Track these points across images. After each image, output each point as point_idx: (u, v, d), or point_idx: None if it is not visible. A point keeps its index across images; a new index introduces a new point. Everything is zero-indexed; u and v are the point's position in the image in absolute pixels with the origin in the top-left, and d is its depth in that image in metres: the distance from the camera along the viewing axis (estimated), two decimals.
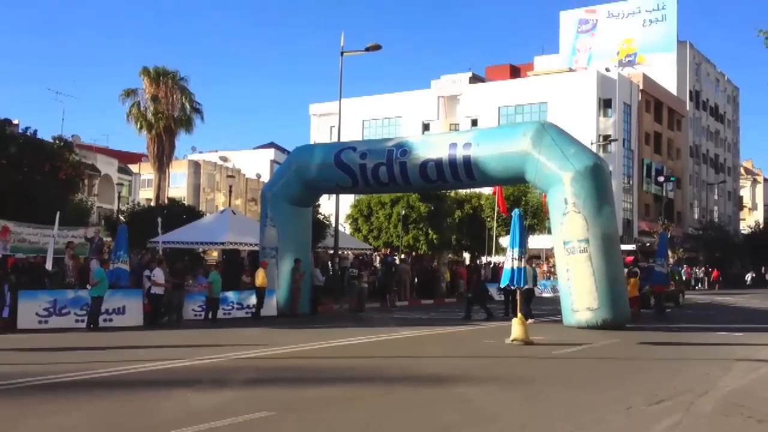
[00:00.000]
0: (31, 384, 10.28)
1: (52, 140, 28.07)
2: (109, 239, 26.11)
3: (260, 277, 21.97)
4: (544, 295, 35.50)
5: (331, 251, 29.64)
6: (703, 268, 57.62)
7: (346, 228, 38.23)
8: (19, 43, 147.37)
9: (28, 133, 26.84)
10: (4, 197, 22.50)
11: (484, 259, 38.53)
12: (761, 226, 73.91)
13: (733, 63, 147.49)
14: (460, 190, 37.17)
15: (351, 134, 55.36)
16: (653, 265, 26.34)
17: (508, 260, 16.40)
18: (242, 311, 22.01)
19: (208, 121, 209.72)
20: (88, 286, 18.43)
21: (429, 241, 36.68)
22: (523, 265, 16.22)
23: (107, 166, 56.24)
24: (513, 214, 16.91)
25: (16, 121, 30.77)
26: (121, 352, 13.81)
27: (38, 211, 22.64)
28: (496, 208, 34.30)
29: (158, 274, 19.62)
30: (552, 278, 34.55)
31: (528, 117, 60.13)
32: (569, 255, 19.39)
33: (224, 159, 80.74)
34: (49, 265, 19.95)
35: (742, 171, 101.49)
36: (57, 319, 18.01)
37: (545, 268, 40.61)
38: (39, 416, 8.41)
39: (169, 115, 40.57)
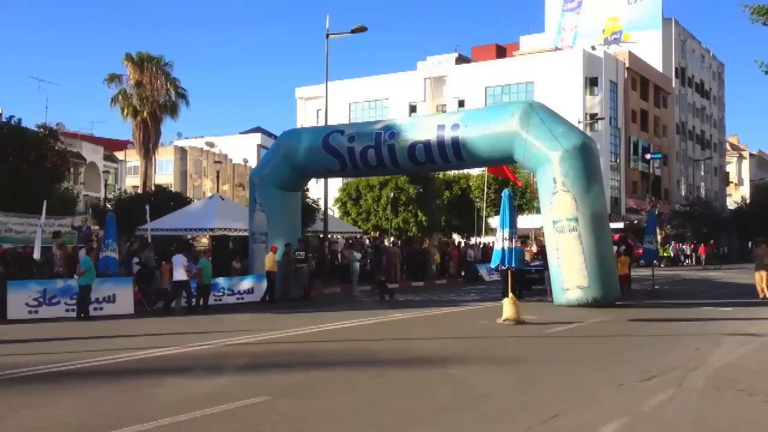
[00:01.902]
0: (23, 375, 10.23)
1: (36, 129, 27.81)
2: (96, 227, 25.97)
3: (269, 261, 21.96)
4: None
5: (321, 235, 29.61)
6: (691, 245, 57.98)
7: (335, 212, 38.21)
8: None
9: (12, 122, 26.58)
10: None
11: (473, 240, 38.65)
12: (747, 202, 74.35)
13: (719, 39, 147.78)
14: (448, 172, 37.19)
15: (338, 117, 55.19)
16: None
17: (499, 241, 16.42)
18: (233, 297, 21.97)
19: (194, 106, 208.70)
20: (76, 276, 18.33)
21: (418, 223, 36.75)
22: (513, 245, 16.24)
23: (93, 154, 55.92)
24: (503, 194, 16.90)
25: None
26: (112, 341, 13.76)
27: (25, 201, 22.50)
28: (485, 187, 34.31)
29: (179, 260, 19.55)
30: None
31: (515, 97, 60.10)
32: (559, 234, 19.46)
33: (210, 144, 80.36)
34: (37, 255, 19.86)
35: (728, 147, 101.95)
36: (47, 309, 17.93)
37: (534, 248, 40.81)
38: (31, 407, 8.37)
39: (154, 101, 40.29)
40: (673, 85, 76.46)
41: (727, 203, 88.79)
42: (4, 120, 27.43)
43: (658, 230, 36.56)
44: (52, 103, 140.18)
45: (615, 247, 24.45)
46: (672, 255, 52.67)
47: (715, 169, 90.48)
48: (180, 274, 19.39)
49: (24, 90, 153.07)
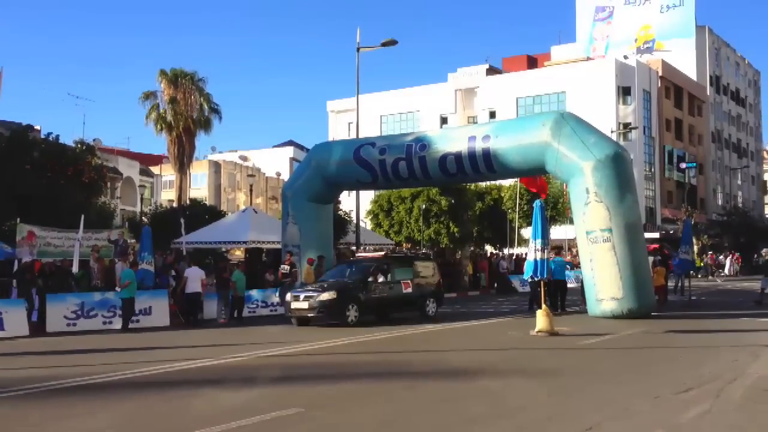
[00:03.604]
0: (62, 386, 10.41)
1: (74, 144, 28.35)
2: (132, 241, 26.34)
3: (306, 273, 22.05)
4: (569, 285, 35.25)
5: (353, 247, 29.68)
6: (731, 255, 56.97)
7: (367, 224, 38.27)
8: (36, 48, 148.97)
9: (51, 139, 27.14)
10: (29, 202, 22.77)
11: (506, 251, 38.44)
12: None
13: (754, 47, 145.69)
14: (479, 183, 37.08)
15: (369, 130, 55.37)
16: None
17: (531, 252, 16.35)
18: (266, 309, 22.12)
19: (227, 120, 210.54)
20: (117, 288, 18.65)
21: (450, 235, 36.64)
22: (546, 257, 16.15)
23: (129, 169, 56.73)
24: (535, 205, 16.83)
25: (38, 127, 31.16)
26: (148, 353, 13.93)
27: (62, 216, 22.88)
28: (518, 198, 34.12)
29: (193, 273, 20.03)
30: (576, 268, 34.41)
31: (546, 107, 59.85)
32: (592, 245, 19.30)
33: (244, 158, 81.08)
34: (75, 268, 20.22)
35: (765, 155, 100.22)
36: (85, 322, 18.24)
37: (569, 258, 40.47)
38: (70, 418, 8.52)
39: (188, 116, 40.79)
40: (708, 93, 75.49)
41: (766, 212, 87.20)
42: (42, 136, 27.99)
43: (694, 240, 36.03)
44: (89, 120, 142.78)
45: (651, 258, 24.16)
46: (709, 265, 51.80)
47: (752, 178, 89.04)
48: (194, 287, 19.62)
49: (62, 107, 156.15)
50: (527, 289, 26.49)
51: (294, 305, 18.48)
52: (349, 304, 18.25)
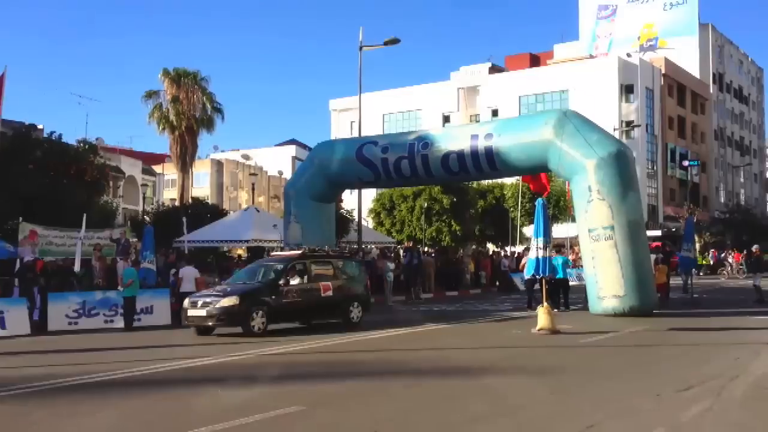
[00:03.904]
0: (62, 385, 10.42)
1: (76, 144, 28.40)
2: (135, 240, 26.38)
3: None
4: (570, 283, 35.26)
5: (355, 246, 29.71)
6: (733, 253, 56.85)
7: (369, 222, 38.28)
8: (39, 48, 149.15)
9: (53, 138, 27.18)
10: (31, 201, 22.81)
11: (508, 249, 38.44)
12: None
13: (757, 44, 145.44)
14: (482, 181, 37.09)
15: (371, 128, 55.38)
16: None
17: (533, 250, 16.34)
18: None
19: (229, 119, 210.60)
20: (120, 287, 18.67)
21: (452, 233, 36.65)
22: (548, 255, 16.15)
23: (131, 168, 56.77)
24: (536, 203, 16.82)
25: (40, 126, 31.21)
26: (151, 351, 13.94)
27: (65, 215, 22.92)
28: (520, 197, 34.16)
29: (187, 272, 19.89)
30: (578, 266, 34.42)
31: (549, 105, 59.79)
32: (594, 242, 19.28)
33: (246, 157, 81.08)
34: (77, 267, 20.25)
35: None
36: (86, 320, 18.27)
37: (572, 257, 40.46)
38: (73, 416, 8.54)
39: (191, 115, 40.82)
40: (711, 91, 75.40)
41: None
42: (45, 135, 28.04)
43: (696, 238, 36.00)
44: (92, 119, 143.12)
45: (653, 256, 24.16)
46: (711, 263, 51.70)
47: (755, 176, 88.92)
48: (188, 287, 19.55)
49: (65, 107, 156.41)
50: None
51: (191, 312, 16.25)
52: (254, 311, 15.99)
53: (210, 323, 16.13)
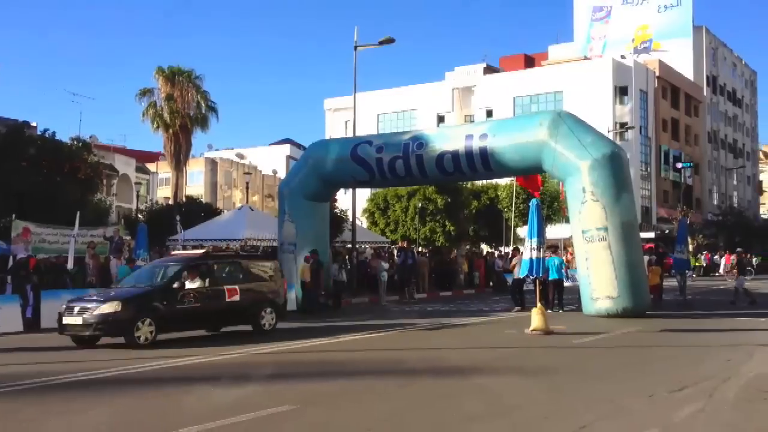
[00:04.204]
0: (54, 383, 10.39)
1: (70, 141, 28.32)
2: (128, 238, 26.34)
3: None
4: (564, 284, 35.32)
5: (349, 245, 29.70)
6: (726, 255, 57.01)
7: (363, 222, 38.29)
8: (33, 45, 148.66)
9: (47, 135, 27.10)
10: (25, 199, 22.75)
11: (502, 250, 38.46)
12: None
13: (751, 47, 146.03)
14: (476, 182, 37.11)
15: (366, 128, 55.33)
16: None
17: (527, 250, 16.36)
18: None
19: (224, 118, 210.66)
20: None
21: (446, 233, 36.69)
22: (542, 255, 16.17)
23: (125, 166, 56.66)
24: (531, 204, 16.85)
25: (34, 124, 31.11)
26: (143, 350, 13.89)
27: (58, 212, 22.86)
28: (514, 197, 34.18)
29: None
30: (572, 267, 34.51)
31: (543, 107, 59.85)
32: (588, 243, 19.32)
33: (240, 156, 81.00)
34: (70, 265, 20.19)
35: (761, 155, 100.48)
36: None
37: (568, 257, 40.53)
38: (65, 414, 8.51)
39: (185, 114, 40.75)
40: (705, 93, 75.62)
41: (761, 212, 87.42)
42: (38, 133, 27.96)
43: (689, 240, 36.09)
44: (86, 117, 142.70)
45: (646, 257, 24.21)
46: (704, 265, 51.83)
47: (747, 178, 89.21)
48: None
49: (58, 103, 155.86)
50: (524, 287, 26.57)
51: (66, 320, 14.23)
52: (140, 319, 13.98)
53: (87, 333, 14.06)
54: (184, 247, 21.72)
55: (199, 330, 15.70)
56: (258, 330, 15.97)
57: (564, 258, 26.57)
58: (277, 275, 17.10)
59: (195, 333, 15.57)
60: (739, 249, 26.82)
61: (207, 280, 15.32)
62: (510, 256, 24.62)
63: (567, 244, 35.23)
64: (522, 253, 24.46)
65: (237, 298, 15.62)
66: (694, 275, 43.95)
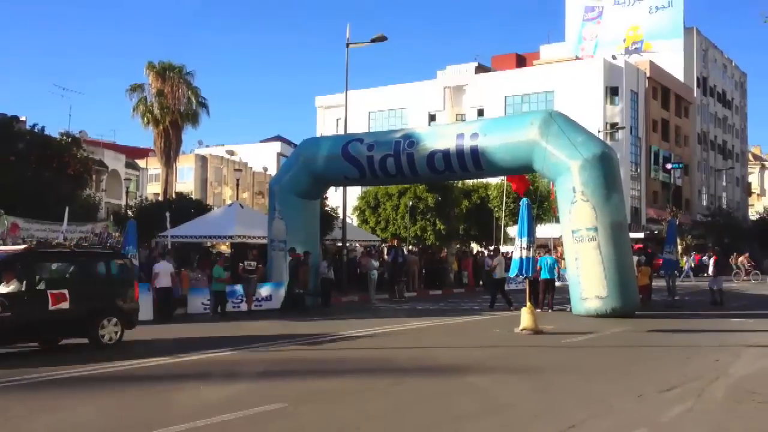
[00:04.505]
0: (43, 379, 10.35)
1: (59, 136, 28.14)
2: (117, 234, 26.21)
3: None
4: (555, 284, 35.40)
5: (339, 243, 29.66)
6: (714, 256, 57.23)
7: (353, 220, 38.23)
8: (23, 39, 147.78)
9: (36, 130, 26.91)
10: (13, 194, 22.57)
11: (492, 249, 38.49)
12: None
13: (741, 49, 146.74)
14: (467, 181, 37.14)
15: (357, 126, 55.24)
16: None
17: (517, 250, 16.39)
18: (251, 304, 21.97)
19: (214, 114, 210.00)
20: None
21: (436, 232, 36.70)
22: (531, 255, 16.20)
23: (115, 162, 56.37)
24: (521, 203, 16.87)
25: (23, 118, 30.84)
26: (131, 347, 13.84)
27: (47, 208, 22.72)
28: (505, 197, 34.26)
29: (161, 267, 19.68)
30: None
31: (534, 106, 59.97)
32: (578, 243, 19.38)
33: (231, 153, 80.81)
34: None
35: (750, 157, 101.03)
36: None
37: (557, 256, 40.61)
38: (54, 411, 8.48)
39: (176, 109, 40.64)
40: (695, 94, 75.93)
41: (749, 213, 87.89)
42: (27, 127, 27.77)
43: (678, 240, 36.22)
44: (75, 111, 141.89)
45: (635, 257, 24.30)
46: (693, 266, 52.01)
47: (737, 179, 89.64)
48: (163, 282, 19.40)
49: (48, 98, 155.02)
50: (513, 286, 26.63)
51: None
52: None
53: None
54: (28, 242, 17.25)
55: (17, 344, 13.18)
56: (96, 344, 13.33)
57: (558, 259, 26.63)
58: (125, 277, 14.40)
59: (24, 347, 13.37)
60: (717, 248, 26.88)
61: (25, 283, 12.53)
62: (492, 255, 24.65)
63: (557, 243, 35.27)
64: (501, 253, 24.78)
65: (66, 305, 12.82)
66: (681, 277, 44.13)
